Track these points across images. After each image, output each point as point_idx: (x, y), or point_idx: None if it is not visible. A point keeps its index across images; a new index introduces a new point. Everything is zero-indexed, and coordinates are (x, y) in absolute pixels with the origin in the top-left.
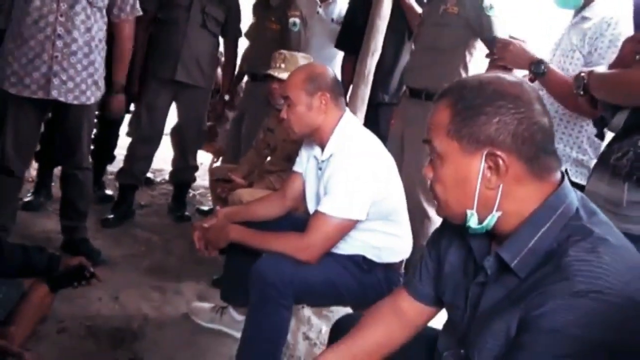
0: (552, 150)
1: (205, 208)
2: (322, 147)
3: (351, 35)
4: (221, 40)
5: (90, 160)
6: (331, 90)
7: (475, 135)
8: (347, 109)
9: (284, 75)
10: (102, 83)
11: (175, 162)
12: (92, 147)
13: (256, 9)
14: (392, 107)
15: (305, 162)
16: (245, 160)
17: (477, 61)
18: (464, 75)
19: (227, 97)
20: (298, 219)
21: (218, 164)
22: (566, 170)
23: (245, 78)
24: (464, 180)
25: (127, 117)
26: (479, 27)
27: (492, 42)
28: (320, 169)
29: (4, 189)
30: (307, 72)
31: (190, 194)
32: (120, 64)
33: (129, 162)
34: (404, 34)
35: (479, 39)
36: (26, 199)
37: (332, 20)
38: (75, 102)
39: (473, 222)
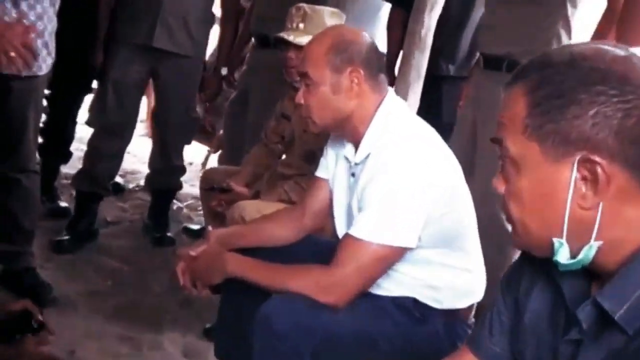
0: None
1: (196, 227)
2: (356, 145)
3: None
4: None
5: (38, 159)
6: (367, 65)
7: (564, 134)
8: (391, 90)
9: (303, 40)
10: (52, 45)
11: (153, 161)
12: (40, 140)
13: None
14: (460, 82)
15: (332, 164)
16: (250, 159)
17: (584, 18)
18: (564, 37)
19: (224, 70)
20: (323, 245)
21: (214, 163)
22: None
23: (252, 42)
24: (549, 197)
25: (88, 100)
26: None
27: None
28: (353, 174)
29: None
30: (332, 38)
31: (175, 207)
32: None
33: (90, 162)
34: None
35: None
36: None
37: None
38: (24, 73)
39: (563, 256)
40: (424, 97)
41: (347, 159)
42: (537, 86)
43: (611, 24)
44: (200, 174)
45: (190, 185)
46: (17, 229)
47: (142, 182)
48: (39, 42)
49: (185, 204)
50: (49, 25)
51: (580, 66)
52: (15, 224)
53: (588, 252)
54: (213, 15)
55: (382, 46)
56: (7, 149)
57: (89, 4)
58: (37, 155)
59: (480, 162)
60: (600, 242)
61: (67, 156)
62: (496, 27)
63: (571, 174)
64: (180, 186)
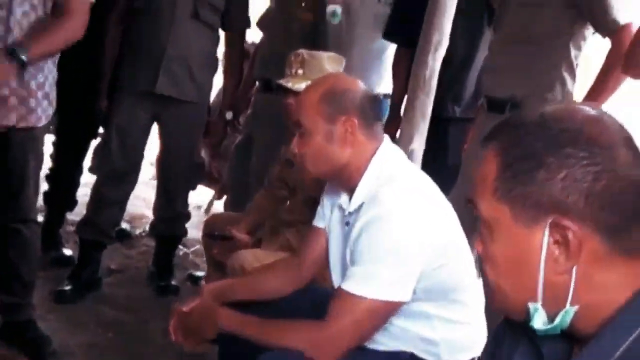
0: None
1: (201, 274)
2: (350, 194)
3: (405, 21)
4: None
5: (43, 206)
6: (361, 114)
7: (533, 198)
8: (387, 138)
9: (302, 86)
10: (53, 96)
11: (157, 208)
12: (45, 187)
13: None
14: (466, 124)
15: (329, 213)
16: (253, 206)
17: (588, 58)
18: (568, 80)
19: (229, 115)
20: (323, 294)
21: (220, 208)
22: None
23: (256, 86)
24: (522, 262)
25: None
26: (587, 6)
27: (610, 31)
28: (347, 224)
29: None
30: (325, 87)
31: (181, 253)
32: (38, 42)
33: (94, 209)
34: (482, 18)
35: (589, 24)
36: None
37: (379, 0)
38: (22, 124)
39: (539, 321)
40: (430, 139)
41: (341, 208)
42: (508, 148)
43: (616, 64)
44: (204, 221)
45: (198, 230)
46: (17, 280)
47: (148, 228)
48: (39, 94)
49: (192, 249)
50: (50, 76)
51: (550, 128)
52: (15, 275)
53: (564, 317)
54: (217, 59)
55: (388, 87)
56: (7, 199)
57: (95, 51)
58: (42, 202)
59: None
60: (576, 307)
61: (72, 203)
62: (499, 70)
63: (543, 238)
64: (185, 233)
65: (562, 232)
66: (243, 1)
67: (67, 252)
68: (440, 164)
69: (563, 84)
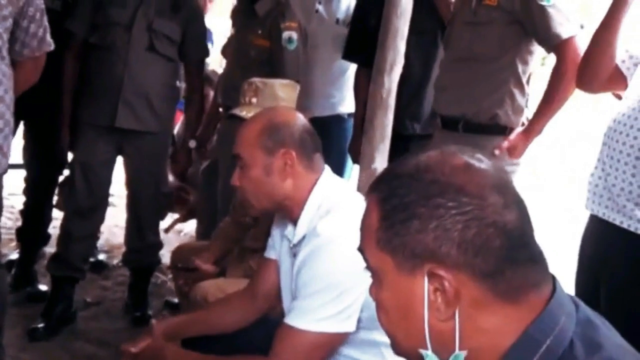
0: (529, 258)
1: (177, 300)
2: (294, 225)
3: (363, 41)
4: None
5: (16, 243)
6: (299, 146)
7: (410, 248)
8: (327, 169)
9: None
10: (8, 147)
11: (128, 239)
12: (18, 223)
13: (236, 16)
14: (427, 140)
15: (278, 244)
16: (219, 233)
17: (538, 74)
18: (517, 95)
19: (192, 143)
20: (277, 326)
21: (187, 232)
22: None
23: (221, 113)
24: (408, 309)
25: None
26: (530, 23)
27: (553, 45)
28: (294, 255)
29: None
30: (263, 121)
31: (159, 281)
32: None
33: (63, 246)
34: (436, 35)
35: (533, 40)
36: None
37: (338, 21)
38: None
39: None
40: (393, 157)
41: (287, 238)
42: (385, 198)
43: (561, 77)
44: (171, 253)
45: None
46: None
47: (122, 258)
48: None
49: (169, 277)
50: (6, 128)
51: (421, 178)
52: None
53: None
54: (177, 89)
55: (352, 106)
56: None
57: (54, 87)
58: (15, 240)
59: None
60: (464, 352)
61: (45, 239)
62: (449, 88)
63: (423, 287)
64: (158, 262)
65: (439, 281)
66: (200, 32)
67: (42, 287)
68: None
69: (512, 99)
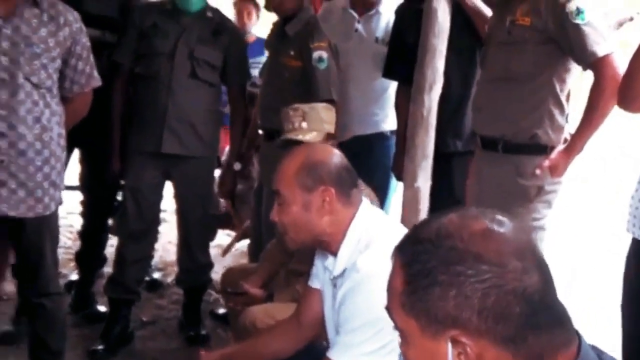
0: (552, 320)
1: (222, 311)
2: (335, 255)
3: (402, 58)
4: None
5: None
6: (337, 183)
7: (432, 314)
8: (365, 201)
9: (309, 138)
10: (61, 181)
11: (180, 260)
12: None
13: (270, 40)
14: (470, 157)
15: (321, 273)
16: (266, 256)
17: (578, 90)
18: (557, 114)
19: (237, 166)
20: (324, 353)
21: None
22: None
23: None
24: None
25: None
26: (566, 42)
27: (589, 64)
28: (335, 285)
29: None
30: (302, 158)
31: (212, 299)
32: None
33: (118, 269)
34: (475, 52)
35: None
36: (4, 328)
37: (377, 40)
38: (31, 215)
39: None
40: (435, 174)
41: (328, 269)
42: (409, 263)
43: (599, 96)
44: (221, 276)
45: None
46: (46, 351)
47: (175, 279)
48: (46, 184)
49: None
50: (58, 164)
51: (442, 245)
52: (43, 346)
53: None
54: (220, 113)
55: (393, 125)
56: (27, 277)
57: (103, 117)
58: (74, 262)
59: None
60: None
61: (101, 261)
62: (487, 109)
63: (447, 352)
64: (209, 281)
65: (462, 346)
66: (240, 56)
67: (101, 308)
68: (447, 199)
69: (551, 118)
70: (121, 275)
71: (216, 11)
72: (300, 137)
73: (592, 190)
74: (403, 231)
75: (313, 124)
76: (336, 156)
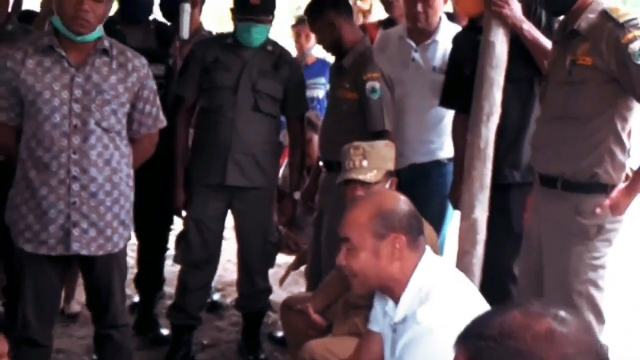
0: None
1: (280, 334)
2: (396, 301)
3: (459, 87)
4: None
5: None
6: (408, 230)
7: None
8: (428, 249)
9: (370, 177)
10: (129, 220)
11: (240, 285)
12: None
13: (331, 74)
14: (528, 188)
15: (381, 317)
16: (324, 286)
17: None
18: (618, 152)
19: (297, 195)
20: None
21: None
22: None
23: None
24: None
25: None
26: (628, 82)
27: None
28: (394, 330)
29: None
30: (374, 206)
31: (270, 321)
32: None
33: (180, 296)
34: (533, 83)
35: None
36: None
37: (434, 69)
38: (101, 253)
39: None
40: (493, 205)
41: (388, 313)
42: (472, 357)
43: None
44: (282, 303)
45: (287, 292)
46: None
47: (235, 303)
48: (115, 223)
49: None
50: (127, 203)
51: (505, 345)
52: None
53: None
54: (280, 144)
55: (450, 152)
56: (97, 310)
57: (167, 150)
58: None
59: (547, 277)
60: None
61: (160, 283)
62: (546, 147)
63: None
64: (268, 306)
65: None
66: (300, 87)
67: (164, 331)
68: (505, 231)
69: (612, 157)
70: (183, 302)
71: (276, 44)
72: (361, 177)
73: None
74: (462, 281)
75: (374, 162)
76: (405, 203)
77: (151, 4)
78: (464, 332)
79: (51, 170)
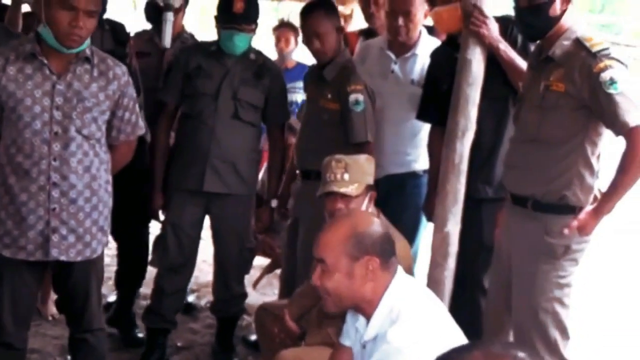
0: None
1: (254, 338)
2: (367, 319)
3: (435, 103)
4: None
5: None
6: (381, 253)
7: None
8: (400, 270)
9: (351, 189)
10: (107, 226)
11: (215, 290)
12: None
13: (308, 83)
14: (500, 203)
15: (352, 332)
16: (299, 295)
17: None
18: (587, 176)
19: (274, 203)
20: None
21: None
22: None
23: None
24: None
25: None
26: (598, 109)
27: (621, 132)
28: (364, 347)
29: None
30: (348, 228)
31: (244, 323)
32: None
33: (156, 300)
34: (507, 101)
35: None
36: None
37: (413, 81)
38: (80, 258)
39: None
40: (465, 219)
41: (358, 330)
42: None
43: (629, 164)
44: (256, 310)
45: (261, 293)
46: None
47: (209, 306)
48: (94, 229)
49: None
50: (105, 209)
51: None
52: None
53: None
54: (259, 152)
55: (425, 164)
56: (73, 314)
57: (144, 156)
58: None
59: (515, 296)
60: None
61: (141, 280)
62: (517, 168)
63: None
64: (242, 311)
65: None
66: (281, 96)
67: (140, 334)
68: (476, 245)
69: (581, 180)
70: (159, 306)
71: (259, 53)
72: (342, 190)
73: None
74: (432, 301)
75: (355, 175)
76: (379, 225)
77: (105, 2)
78: None
79: (31, 176)
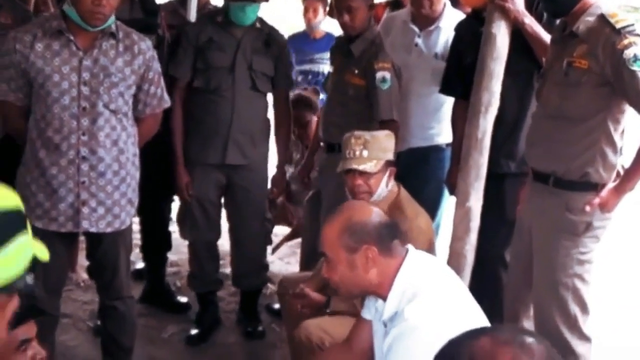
0: None
1: (277, 306)
2: (384, 300)
3: (460, 74)
4: None
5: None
6: (378, 240)
7: None
8: (411, 249)
9: (369, 166)
10: (135, 197)
11: (235, 265)
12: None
13: (335, 55)
14: (522, 178)
15: (373, 309)
16: (320, 266)
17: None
18: (609, 153)
19: (290, 170)
20: None
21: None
22: None
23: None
24: None
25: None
26: (621, 86)
27: None
28: (385, 324)
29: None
30: (343, 222)
31: (268, 292)
32: None
33: (196, 266)
34: (532, 76)
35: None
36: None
37: (436, 55)
38: (109, 230)
39: None
40: (487, 194)
41: (378, 310)
42: None
43: None
44: (278, 282)
45: (286, 262)
46: (118, 347)
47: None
48: (123, 201)
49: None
50: (133, 182)
51: None
52: (115, 343)
53: None
54: (269, 121)
55: (448, 138)
56: (102, 283)
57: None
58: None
59: (536, 271)
60: None
61: (169, 245)
62: (540, 144)
63: None
64: (265, 282)
65: None
66: (286, 64)
67: (183, 299)
68: (498, 220)
69: (604, 157)
70: (201, 272)
71: (263, 22)
72: (361, 167)
73: None
74: (450, 278)
75: (374, 152)
76: (375, 214)
77: None
78: (439, 354)
79: (61, 150)
